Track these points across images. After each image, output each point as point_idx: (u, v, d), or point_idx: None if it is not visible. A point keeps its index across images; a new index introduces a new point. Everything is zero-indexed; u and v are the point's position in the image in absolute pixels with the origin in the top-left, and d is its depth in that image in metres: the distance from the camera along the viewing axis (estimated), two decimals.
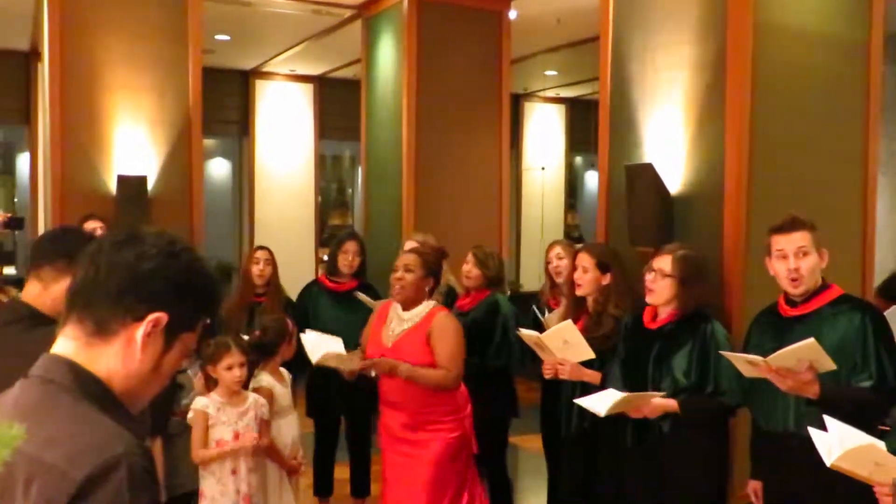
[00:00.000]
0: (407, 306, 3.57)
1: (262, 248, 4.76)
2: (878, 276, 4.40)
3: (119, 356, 1.24)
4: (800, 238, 2.76)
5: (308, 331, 3.85)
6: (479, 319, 4.10)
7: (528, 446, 5.46)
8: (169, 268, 1.26)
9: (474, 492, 3.64)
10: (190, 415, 3.36)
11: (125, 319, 1.24)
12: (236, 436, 3.33)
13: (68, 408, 1.18)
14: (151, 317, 1.24)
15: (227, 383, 3.36)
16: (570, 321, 3.42)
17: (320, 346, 3.71)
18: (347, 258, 4.63)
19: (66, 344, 1.25)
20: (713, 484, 3.18)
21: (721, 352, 2.95)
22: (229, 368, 3.33)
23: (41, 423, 1.13)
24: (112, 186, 5.26)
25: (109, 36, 5.31)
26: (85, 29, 5.25)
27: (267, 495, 3.51)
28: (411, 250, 3.73)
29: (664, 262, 3.18)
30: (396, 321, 3.59)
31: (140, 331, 1.24)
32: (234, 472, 3.33)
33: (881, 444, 2.18)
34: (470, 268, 4.22)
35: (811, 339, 2.56)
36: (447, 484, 3.52)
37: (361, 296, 4.49)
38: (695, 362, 3.05)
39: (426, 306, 3.57)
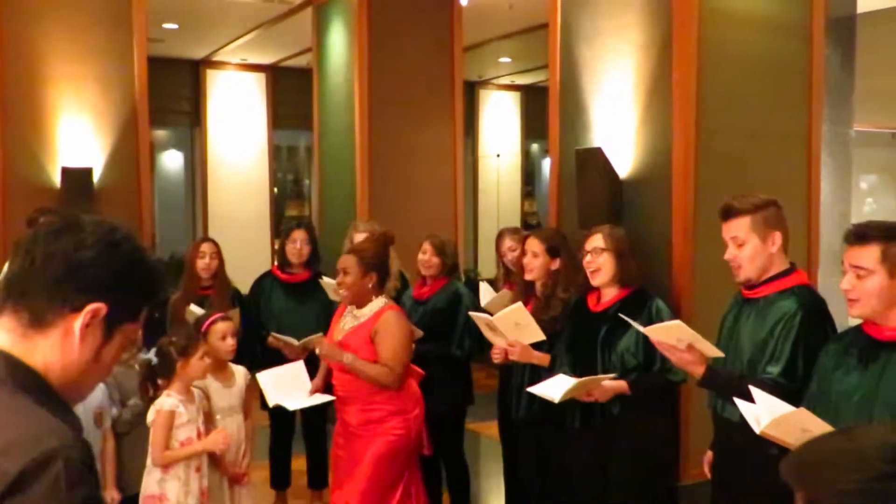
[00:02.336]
0: (359, 305, 3.58)
1: (207, 240, 4.69)
2: (824, 258, 4.49)
3: (57, 348, 1.21)
4: (734, 227, 2.72)
5: (263, 373, 3.83)
6: (441, 308, 4.10)
7: (487, 433, 5.49)
8: (108, 257, 1.22)
9: (411, 490, 3.63)
10: (151, 416, 3.24)
11: (62, 310, 1.20)
12: (199, 434, 3.28)
13: (3, 400, 1.15)
14: (90, 307, 1.21)
15: (199, 374, 3.30)
16: (520, 304, 3.45)
17: (277, 384, 3.71)
18: (296, 247, 4.59)
19: (1, 336, 1.21)
20: (660, 462, 3.23)
21: (622, 315, 3.00)
22: (201, 358, 3.28)
23: None
24: (56, 179, 5.14)
25: (50, 25, 5.18)
26: (24, 18, 5.12)
27: (223, 489, 3.46)
28: (350, 250, 3.66)
29: (597, 241, 3.26)
30: (349, 317, 3.62)
31: (78, 322, 1.20)
32: (198, 469, 3.26)
33: (808, 413, 2.22)
34: (428, 257, 4.20)
35: (677, 321, 2.67)
36: (385, 482, 3.53)
37: (326, 280, 4.46)
38: (641, 342, 3.10)
39: (377, 303, 3.57)
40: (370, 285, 3.56)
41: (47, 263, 1.20)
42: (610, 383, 3.07)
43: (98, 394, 3.39)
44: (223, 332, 3.48)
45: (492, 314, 3.53)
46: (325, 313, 4.46)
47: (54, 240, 1.21)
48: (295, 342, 4.00)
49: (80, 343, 1.21)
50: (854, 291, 2.25)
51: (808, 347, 2.56)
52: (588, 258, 3.25)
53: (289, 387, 3.78)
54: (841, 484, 1.03)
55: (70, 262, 1.20)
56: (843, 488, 1.02)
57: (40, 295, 1.20)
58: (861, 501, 1.02)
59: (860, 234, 2.24)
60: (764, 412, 2.24)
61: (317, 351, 3.61)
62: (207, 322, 3.54)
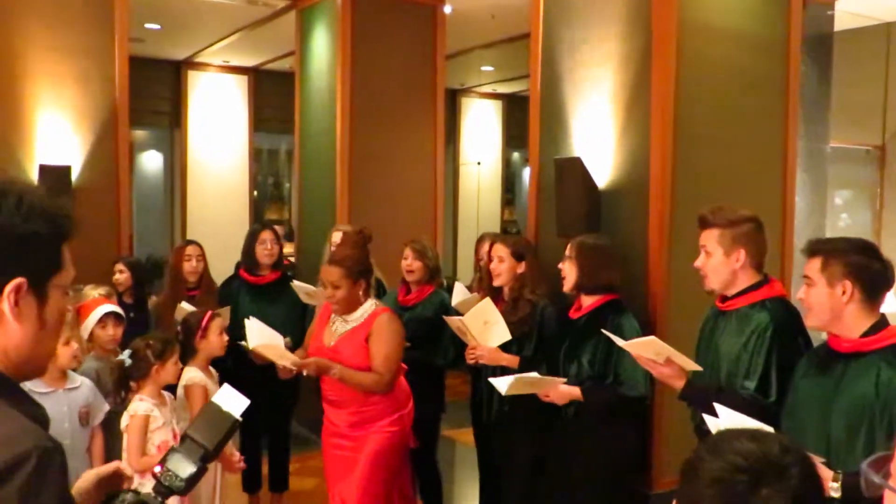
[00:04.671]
0: (349, 312, 3.54)
1: (192, 243, 4.71)
2: (797, 271, 4.54)
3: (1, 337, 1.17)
4: (704, 236, 2.79)
5: (253, 318, 3.79)
6: (428, 317, 4.10)
7: (463, 439, 5.50)
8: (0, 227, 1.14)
9: (405, 486, 3.67)
10: (125, 421, 3.20)
11: None
12: (175, 436, 3.25)
13: None
14: (8, 289, 1.16)
15: (172, 378, 3.31)
16: (488, 299, 3.53)
17: (262, 335, 3.66)
18: (266, 248, 4.56)
19: None
20: (619, 468, 3.31)
21: (604, 331, 3.06)
22: (175, 363, 3.30)
23: None
24: (34, 176, 5.09)
25: (30, 21, 5.14)
26: (3, 13, 5.07)
27: (200, 490, 3.44)
28: (332, 261, 3.57)
29: (568, 249, 3.41)
30: (340, 322, 3.56)
31: (5, 306, 1.16)
32: None
33: (769, 429, 2.25)
34: (410, 262, 4.20)
35: (651, 337, 2.74)
36: (382, 479, 3.52)
37: (297, 283, 4.44)
38: (599, 353, 3.22)
39: (369, 306, 3.54)
40: (360, 292, 3.53)
41: None
42: (566, 388, 3.22)
43: (84, 391, 3.35)
44: (220, 328, 3.56)
45: (462, 314, 3.57)
46: (292, 315, 4.46)
47: None
48: (281, 338, 3.92)
49: (18, 321, 1.18)
50: (805, 301, 2.38)
51: (780, 361, 2.60)
52: (561, 265, 3.41)
53: (270, 346, 3.69)
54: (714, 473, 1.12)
55: None
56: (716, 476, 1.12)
57: None
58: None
59: (809, 247, 2.41)
60: (726, 425, 2.27)
61: (304, 373, 3.50)
62: (207, 318, 3.58)
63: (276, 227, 4.83)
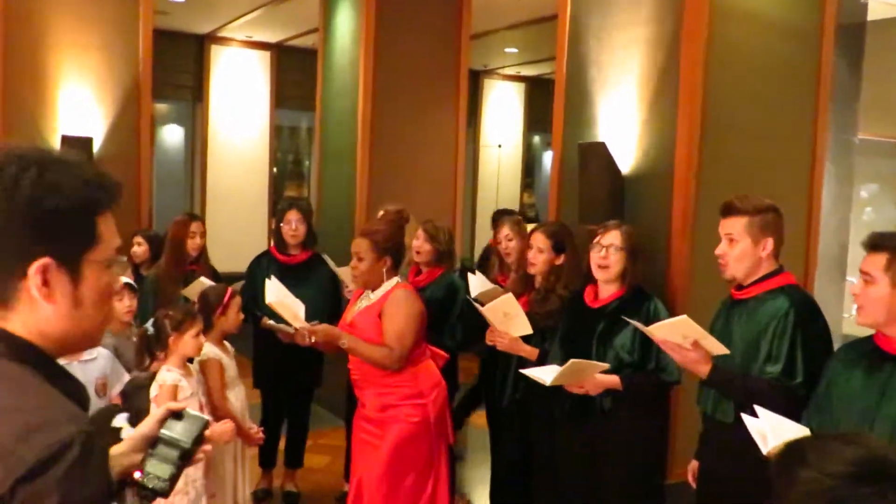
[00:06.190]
0: (373, 288, 3.54)
1: (196, 218, 4.72)
2: (821, 261, 4.48)
3: (31, 317, 1.13)
4: (730, 224, 2.73)
5: (274, 279, 3.79)
6: (438, 298, 4.07)
7: (475, 421, 5.49)
8: (19, 204, 1.07)
9: (438, 483, 3.55)
10: (154, 391, 3.20)
11: (13, 281, 1.11)
12: (201, 407, 3.27)
13: (7, 378, 1.09)
14: (33, 269, 1.11)
15: (192, 351, 3.30)
16: (510, 294, 3.45)
17: (280, 294, 3.65)
18: (291, 228, 4.56)
19: None
20: (648, 460, 3.23)
21: (625, 318, 2.98)
22: (196, 336, 3.28)
23: None
24: (56, 146, 5.10)
25: None
26: None
27: (225, 464, 3.46)
28: (363, 233, 3.58)
29: (615, 237, 3.22)
30: (364, 299, 3.57)
31: (32, 288, 1.11)
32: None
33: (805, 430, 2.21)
34: (421, 243, 4.18)
35: (684, 316, 2.62)
36: (405, 470, 3.46)
37: (329, 260, 4.45)
38: (637, 340, 3.09)
39: (389, 284, 3.51)
40: (384, 269, 3.49)
41: None
42: (602, 377, 3.06)
43: (100, 363, 3.37)
44: (238, 306, 3.62)
45: (482, 304, 3.53)
46: (322, 296, 4.45)
47: None
48: (289, 329, 3.96)
49: (50, 301, 1.13)
50: (860, 297, 2.25)
51: (805, 343, 2.57)
52: (602, 253, 3.21)
53: (285, 304, 3.69)
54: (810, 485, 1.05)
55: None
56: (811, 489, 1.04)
57: None
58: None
59: (873, 242, 2.25)
60: (768, 431, 2.22)
61: (310, 340, 3.49)
62: (228, 295, 3.62)
63: (304, 207, 4.77)
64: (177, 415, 1.50)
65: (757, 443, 2.25)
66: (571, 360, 2.95)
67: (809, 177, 4.17)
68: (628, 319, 2.93)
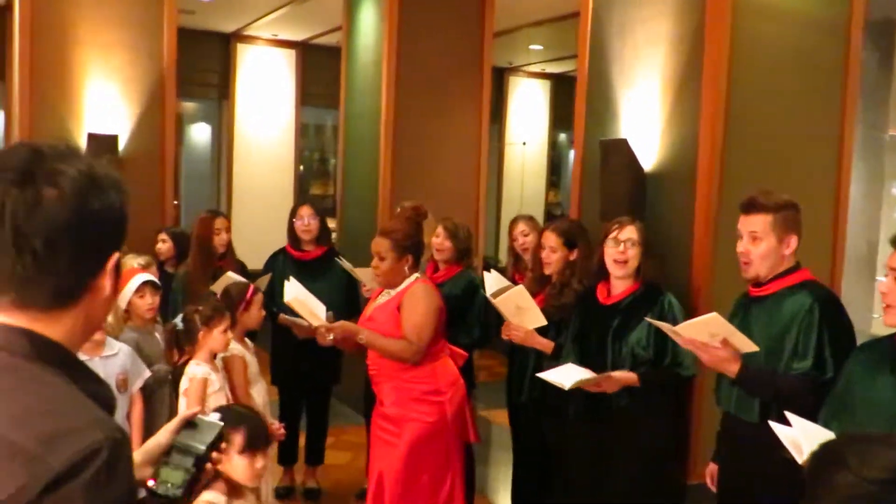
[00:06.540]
0: (395, 286, 3.55)
1: (219, 214, 4.75)
2: (849, 260, 4.40)
3: (86, 311, 1.15)
4: (754, 222, 2.67)
5: (293, 280, 3.81)
6: (458, 296, 4.07)
7: (497, 420, 5.48)
8: (98, 207, 1.10)
9: (455, 480, 3.54)
10: (184, 385, 3.22)
11: (86, 280, 1.13)
12: (228, 400, 3.28)
13: (34, 380, 1.08)
14: (111, 263, 1.15)
15: (219, 347, 3.31)
16: (521, 287, 3.45)
17: (299, 293, 3.66)
18: (303, 223, 4.58)
19: (18, 317, 1.11)
20: (664, 457, 3.21)
21: (648, 318, 2.94)
22: (224, 332, 3.30)
23: (2, 396, 1.04)
24: (82, 144, 5.17)
25: None
26: None
27: None
28: (382, 232, 3.60)
29: (632, 232, 3.21)
30: (385, 295, 3.59)
31: (106, 281, 1.16)
32: None
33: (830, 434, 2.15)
34: (441, 241, 4.18)
35: (713, 313, 2.55)
36: (421, 469, 3.46)
37: (343, 261, 4.46)
38: (653, 335, 3.07)
39: (409, 279, 3.54)
40: (406, 267, 3.52)
41: (54, 253, 1.08)
42: (620, 374, 3.05)
43: (121, 358, 3.40)
44: (260, 303, 3.64)
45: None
46: (337, 292, 4.46)
47: (30, 216, 1.06)
48: (304, 323, 3.97)
49: (112, 293, 1.18)
50: (888, 296, 2.16)
51: (833, 336, 2.53)
52: (621, 248, 3.18)
53: (303, 302, 3.70)
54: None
55: (79, 242, 1.10)
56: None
57: (54, 282, 1.11)
58: None
59: None
60: (801, 438, 2.15)
61: (329, 338, 3.50)
62: (251, 292, 3.64)
63: (315, 203, 4.81)
64: (190, 423, 1.51)
65: (790, 451, 2.18)
66: (590, 376, 2.95)
67: (837, 174, 4.09)
68: (651, 321, 2.90)
